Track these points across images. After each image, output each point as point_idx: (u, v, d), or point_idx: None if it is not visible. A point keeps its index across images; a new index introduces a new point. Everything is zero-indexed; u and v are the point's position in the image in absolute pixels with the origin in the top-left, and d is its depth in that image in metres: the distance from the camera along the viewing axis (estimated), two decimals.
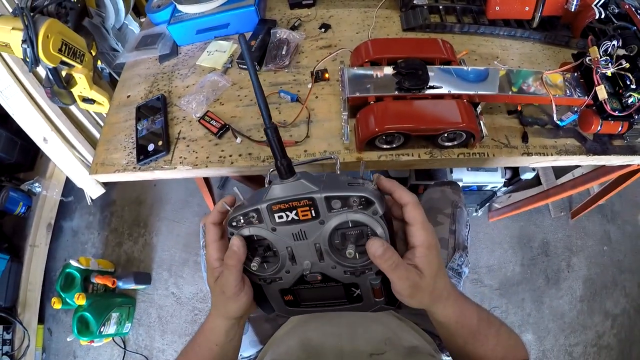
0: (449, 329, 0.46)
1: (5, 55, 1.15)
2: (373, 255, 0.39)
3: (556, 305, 1.57)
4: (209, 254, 0.45)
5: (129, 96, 0.93)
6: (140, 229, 1.87)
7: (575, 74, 0.73)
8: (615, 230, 1.70)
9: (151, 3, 1.06)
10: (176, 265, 1.77)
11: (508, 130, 0.76)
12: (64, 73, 0.90)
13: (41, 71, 1.20)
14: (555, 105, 0.71)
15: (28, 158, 1.71)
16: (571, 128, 0.75)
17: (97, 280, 1.55)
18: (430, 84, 0.70)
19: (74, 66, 0.89)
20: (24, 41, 0.76)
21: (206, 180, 1.31)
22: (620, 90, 0.67)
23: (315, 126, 0.78)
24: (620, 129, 0.69)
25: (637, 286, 1.59)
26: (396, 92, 0.70)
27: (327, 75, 0.84)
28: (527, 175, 1.59)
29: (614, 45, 0.67)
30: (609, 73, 0.67)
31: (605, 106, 0.66)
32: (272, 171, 0.44)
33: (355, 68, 0.75)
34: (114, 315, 1.54)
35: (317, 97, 0.82)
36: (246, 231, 0.42)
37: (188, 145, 0.80)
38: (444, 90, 0.70)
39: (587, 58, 0.70)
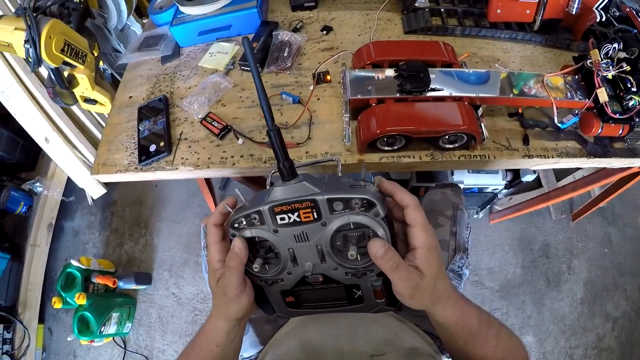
0: (449, 330, 0.46)
1: (7, 55, 1.15)
2: (374, 256, 0.39)
3: (557, 308, 1.57)
4: (210, 255, 0.45)
5: (131, 97, 0.93)
6: (141, 229, 1.87)
7: (576, 77, 0.73)
8: (616, 233, 1.70)
9: (153, 4, 1.06)
10: (177, 265, 1.77)
11: (509, 133, 0.76)
12: (66, 73, 0.90)
13: (43, 71, 1.20)
14: (556, 107, 0.71)
15: (29, 158, 1.71)
16: (572, 130, 0.75)
17: (97, 280, 1.56)
18: (432, 86, 0.70)
19: (76, 66, 0.89)
20: (26, 41, 0.76)
21: (207, 181, 1.31)
22: (621, 93, 0.67)
23: (317, 128, 0.78)
24: (621, 131, 0.70)
25: (637, 289, 1.59)
26: (398, 95, 0.70)
27: (328, 77, 0.84)
28: (528, 178, 1.59)
29: (614, 48, 0.67)
30: (609, 76, 0.67)
31: (606, 109, 0.66)
32: (273, 173, 0.44)
33: (357, 70, 0.75)
34: (115, 315, 1.55)
35: (318, 99, 0.83)
36: (248, 233, 0.42)
37: (190, 146, 0.80)
38: (445, 92, 0.70)
39: (588, 61, 0.70)
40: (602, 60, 0.68)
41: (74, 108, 1.41)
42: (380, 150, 0.73)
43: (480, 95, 0.71)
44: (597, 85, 0.67)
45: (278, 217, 0.40)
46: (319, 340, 0.58)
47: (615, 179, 1.06)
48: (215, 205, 1.54)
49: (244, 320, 0.50)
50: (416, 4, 0.94)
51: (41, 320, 1.63)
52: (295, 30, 0.96)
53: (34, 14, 0.76)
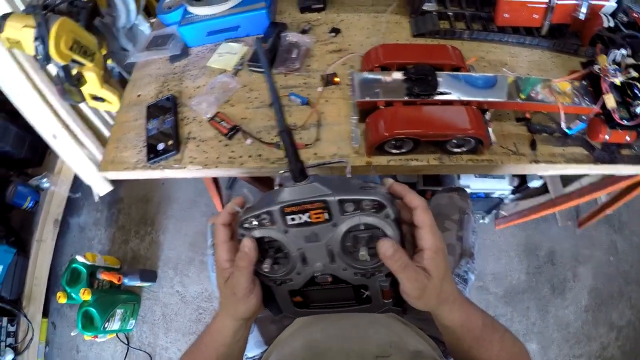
0: (453, 333, 0.46)
1: (16, 52, 1.16)
2: (383, 255, 0.40)
3: (561, 315, 1.56)
4: (219, 255, 0.46)
5: (139, 95, 0.93)
6: (147, 227, 1.88)
7: (584, 82, 0.73)
8: (622, 241, 1.69)
9: (162, 4, 1.07)
10: (182, 264, 1.78)
11: (516, 138, 0.76)
12: (74, 71, 0.91)
13: (51, 68, 1.21)
14: (564, 113, 0.71)
15: (37, 154, 1.73)
16: (579, 136, 0.75)
17: (103, 276, 1.57)
18: (440, 90, 0.71)
19: (84, 64, 0.90)
20: (36, 39, 0.77)
21: (215, 180, 1.32)
22: (629, 99, 0.66)
23: (325, 129, 0.79)
24: (628, 138, 0.69)
25: None
26: (406, 98, 0.71)
27: (337, 79, 0.85)
28: (535, 183, 1.58)
29: (622, 54, 0.67)
30: (617, 82, 0.67)
31: (613, 115, 0.66)
32: (282, 173, 0.44)
33: (365, 72, 0.76)
34: (119, 311, 1.56)
35: (326, 101, 0.83)
36: (257, 233, 0.42)
37: (198, 146, 0.80)
38: (453, 96, 0.70)
39: (596, 66, 0.70)
40: (609, 66, 0.68)
41: (82, 106, 1.41)
42: (388, 152, 0.73)
43: (487, 99, 0.71)
44: (604, 91, 0.67)
45: (288, 217, 0.40)
46: (324, 340, 0.58)
47: (622, 186, 1.06)
48: (222, 204, 1.54)
49: (250, 320, 0.50)
50: (424, 8, 0.95)
51: (45, 314, 1.65)
52: (304, 31, 0.96)
53: (44, 12, 0.77)
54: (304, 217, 0.40)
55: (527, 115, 0.77)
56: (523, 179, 1.60)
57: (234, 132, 0.80)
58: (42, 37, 0.77)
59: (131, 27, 1.18)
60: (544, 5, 0.82)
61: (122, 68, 1.24)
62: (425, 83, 0.71)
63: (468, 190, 1.47)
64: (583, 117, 0.72)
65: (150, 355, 1.63)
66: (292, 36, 0.93)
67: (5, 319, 1.43)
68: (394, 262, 0.40)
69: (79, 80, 0.93)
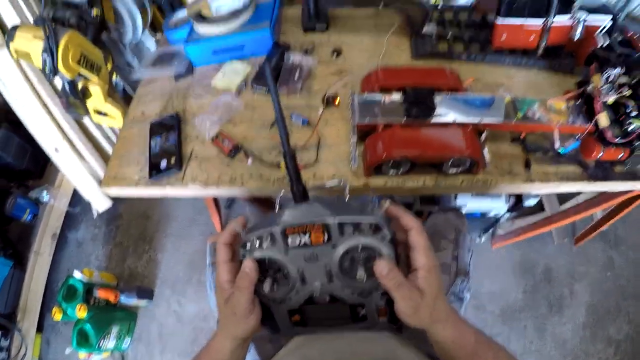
0: (447, 349, 0.47)
1: (23, 63, 1.17)
2: (379, 274, 0.42)
3: (559, 333, 1.55)
4: (219, 274, 0.46)
5: (143, 112, 0.94)
6: (145, 245, 1.87)
7: (578, 102, 0.75)
8: (618, 256, 1.70)
9: (169, 21, 1.09)
10: (180, 282, 1.76)
11: (511, 157, 0.78)
12: (80, 85, 0.92)
13: (57, 81, 1.22)
14: (559, 133, 0.72)
15: (38, 166, 1.72)
16: (573, 155, 0.76)
17: (100, 293, 1.55)
18: (437, 111, 0.72)
19: (90, 78, 0.91)
20: (44, 51, 0.78)
21: (214, 199, 1.32)
22: (622, 118, 0.68)
23: (325, 150, 0.80)
24: (621, 155, 0.71)
25: None
26: (404, 119, 0.72)
27: (337, 101, 0.87)
28: (531, 202, 1.60)
29: (616, 73, 0.69)
30: (609, 101, 0.69)
31: (605, 133, 0.67)
32: (282, 194, 0.45)
33: (365, 94, 0.78)
34: (114, 329, 1.53)
35: (327, 122, 0.85)
36: (258, 253, 0.43)
37: (200, 164, 0.81)
38: (449, 118, 0.72)
39: (590, 86, 0.71)
40: (603, 85, 0.69)
41: (85, 121, 1.43)
42: (386, 174, 0.74)
43: (483, 121, 0.72)
44: (597, 111, 0.68)
45: (289, 238, 0.41)
46: (320, 358, 0.59)
47: (617, 202, 1.07)
48: (221, 223, 1.54)
49: (248, 340, 0.51)
50: (424, 31, 0.97)
51: (39, 330, 1.62)
52: (307, 52, 0.98)
53: (53, 25, 0.79)
54: (304, 239, 0.41)
55: (522, 136, 0.78)
56: (519, 198, 1.61)
57: (237, 151, 0.81)
58: (50, 49, 0.78)
59: (137, 43, 1.21)
60: (540, 28, 0.84)
61: (127, 83, 1.26)
62: (423, 106, 0.72)
63: (464, 210, 1.49)
64: (577, 135, 0.73)
65: None
66: (295, 56, 0.95)
67: None
68: (389, 281, 0.41)
69: (84, 94, 0.94)
